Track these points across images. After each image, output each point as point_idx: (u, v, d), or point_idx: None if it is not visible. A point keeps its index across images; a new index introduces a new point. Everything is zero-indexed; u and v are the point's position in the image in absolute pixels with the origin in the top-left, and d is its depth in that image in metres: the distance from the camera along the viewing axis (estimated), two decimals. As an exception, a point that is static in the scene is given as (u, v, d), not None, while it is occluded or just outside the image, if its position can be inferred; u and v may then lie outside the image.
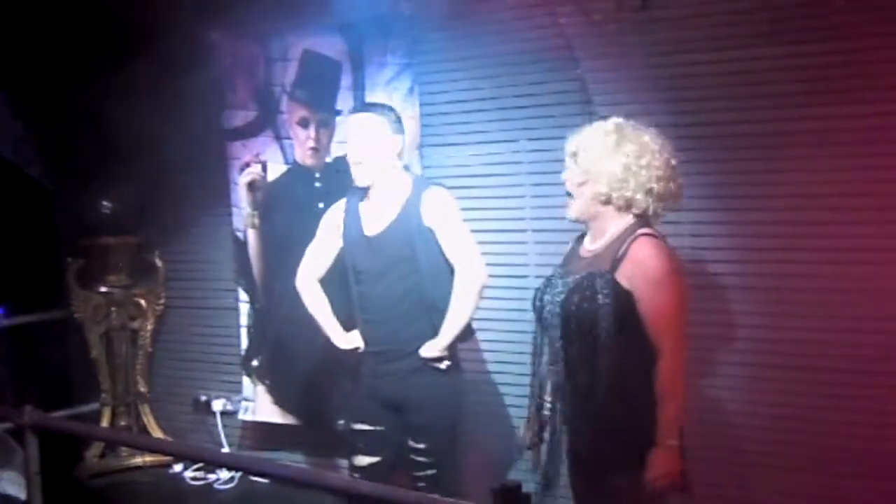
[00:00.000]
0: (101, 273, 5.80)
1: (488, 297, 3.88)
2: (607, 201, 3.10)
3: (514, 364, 4.36)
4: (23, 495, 4.47)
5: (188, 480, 5.51)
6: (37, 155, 5.72)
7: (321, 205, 4.51)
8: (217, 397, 5.65)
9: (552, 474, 3.25)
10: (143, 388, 5.87)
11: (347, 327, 4.00)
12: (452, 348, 3.82)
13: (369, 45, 4.82)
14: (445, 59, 4.71)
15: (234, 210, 5.32)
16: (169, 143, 5.24)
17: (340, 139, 4.88)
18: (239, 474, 5.39)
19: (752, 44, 3.92)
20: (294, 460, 5.31)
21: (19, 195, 5.59)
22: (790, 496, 3.96)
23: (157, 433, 5.80)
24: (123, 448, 5.72)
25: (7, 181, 5.55)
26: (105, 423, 5.74)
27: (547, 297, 3.18)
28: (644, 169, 3.07)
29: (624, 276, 3.02)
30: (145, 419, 5.84)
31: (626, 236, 3.08)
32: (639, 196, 3.08)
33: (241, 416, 5.50)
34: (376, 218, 3.85)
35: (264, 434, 5.47)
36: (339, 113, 4.91)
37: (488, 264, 3.83)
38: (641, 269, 3.01)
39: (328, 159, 4.98)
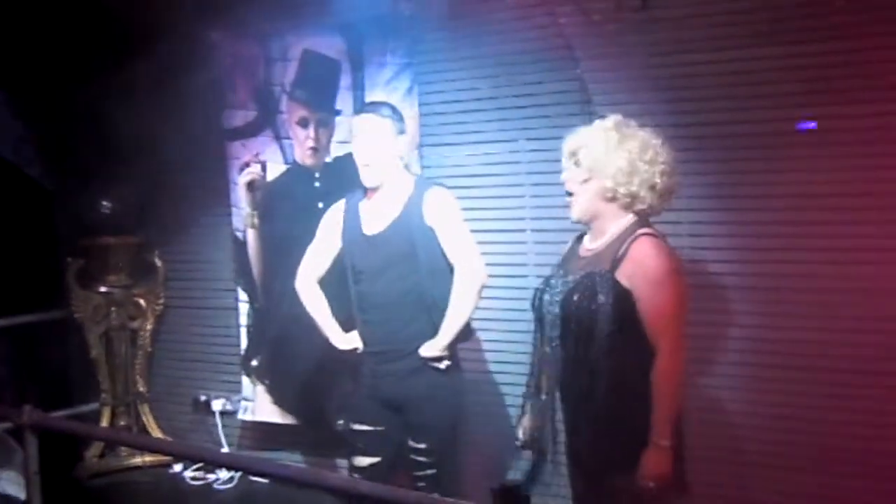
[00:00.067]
0: (100, 273, 5.80)
1: (488, 297, 3.88)
2: (613, 198, 3.11)
3: (513, 364, 4.35)
4: (22, 495, 4.47)
5: (188, 480, 5.51)
6: (37, 155, 5.71)
7: (321, 205, 4.51)
8: (217, 397, 5.65)
9: (542, 469, 3.26)
10: (142, 388, 5.87)
11: (346, 328, 4.00)
12: (452, 348, 3.82)
13: (369, 45, 4.82)
14: (445, 59, 4.71)
15: (234, 210, 5.32)
16: (169, 143, 5.24)
17: (340, 139, 4.89)
18: (238, 474, 5.39)
19: (752, 44, 3.92)
20: (294, 460, 5.31)
21: (19, 195, 5.58)
22: (790, 496, 3.96)
23: (157, 433, 5.80)
24: (123, 448, 5.72)
25: (7, 181, 5.55)
26: (105, 422, 5.74)
27: (546, 297, 3.19)
28: (648, 164, 3.09)
29: (624, 276, 3.02)
30: (145, 419, 5.84)
31: (627, 236, 3.08)
32: (643, 192, 3.09)
33: (240, 416, 5.50)
34: (377, 217, 3.85)
35: (264, 434, 5.46)
36: (338, 113, 4.91)
37: (488, 264, 3.83)
38: (641, 269, 3.01)
39: (328, 159, 4.98)
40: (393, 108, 3.94)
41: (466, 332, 3.87)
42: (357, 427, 3.95)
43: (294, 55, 5.03)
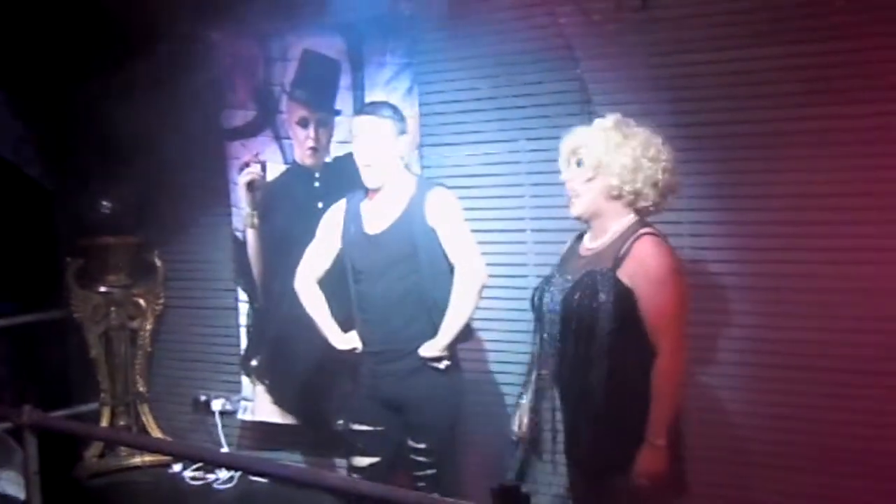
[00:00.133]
0: (100, 273, 5.80)
1: (488, 297, 3.88)
2: (618, 195, 3.12)
3: (513, 364, 4.35)
4: (22, 495, 4.47)
5: (187, 480, 5.51)
6: (36, 155, 5.71)
7: (320, 205, 4.52)
8: (216, 397, 5.65)
9: (534, 465, 3.27)
10: (142, 388, 5.87)
11: (346, 328, 4.00)
12: (452, 348, 3.82)
13: (369, 45, 4.82)
14: (445, 58, 4.71)
15: (234, 210, 5.32)
16: (168, 143, 5.24)
17: (340, 139, 4.89)
18: (238, 474, 5.39)
19: (752, 44, 3.91)
20: (293, 460, 5.31)
21: (19, 195, 5.59)
22: (790, 496, 3.96)
23: (157, 433, 5.80)
24: (122, 448, 5.72)
25: (7, 181, 5.55)
26: (104, 422, 5.74)
27: (546, 296, 3.19)
28: (651, 161, 3.11)
29: (626, 274, 3.03)
30: (144, 419, 5.84)
31: (629, 235, 3.09)
32: (646, 189, 3.11)
33: (240, 416, 5.50)
34: (378, 217, 3.85)
35: (263, 434, 5.46)
36: (338, 113, 4.91)
37: (487, 264, 3.83)
38: (643, 268, 3.02)
39: (327, 159, 4.98)
40: (394, 109, 3.93)
41: (466, 333, 3.87)
42: (357, 427, 3.95)
43: (294, 55, 5.03)
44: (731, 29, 3.97)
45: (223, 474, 5.44)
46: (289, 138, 5.10)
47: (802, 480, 3.92)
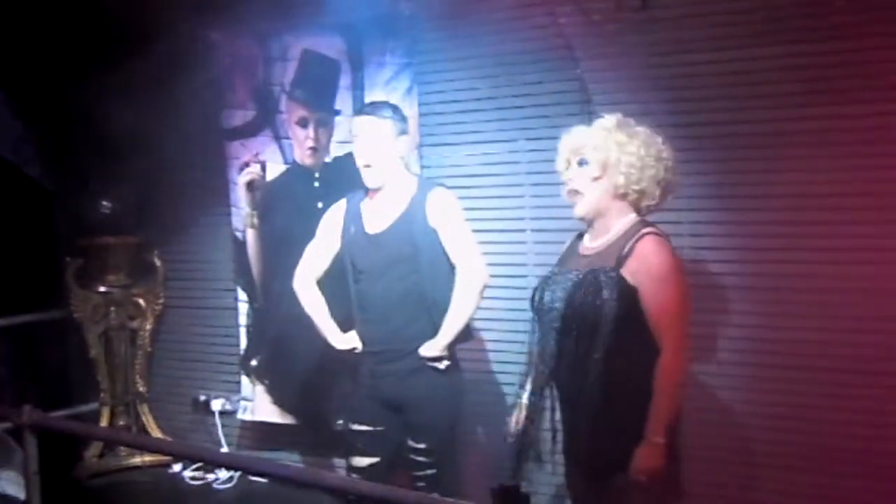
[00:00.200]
0: (100, 273, 5.80)
1: (487, 297, 3.88)
2: (623, 195, 3.13)
3: (513, 364, 4.34)
4: (22, 495, 4.47)
5: (187, 480, 5.51)
6: (36, 154, 5.71)
7: (320, 204, 4.52)
8: (216, 397, 5.64)
9: (527, 463, 3.27)
10: (142, 388, 5.86)
11: (345, 328, 4.00)
12: (452, 348, 3.82)
13: (368, 45, 4.82)
14: (444, 58, 4.70)
15: (233, 210, 5.32)
16: (168, 143, 5.24)
17: (340, 139, 4.88)
18: (238, 474, 5.39)
19: (752, 44, 3.91)
20: (293, 460, 5.31)
21: (19, 195, 5.58)
22: (790, 496, 3.96)
23: (156, 433, 5.80)
24: (122, 448, 5.71)
25: (6, 181, 5.54)
26: (104, 422, 5.73)
27: (548, 294, 3.19)
28: (655, 160, 3.13)
29: (629, 272, 3.04)
30: (144, 419, 5.84)
31: (632, 234, 3.10)
32: (651, 188, 3.13)
33: (239, 416, 5.49)
34: (379, 217, 3.85)
35: (263, 434, 5.46)
36: (338, 113, 4.91)
37: (487, 264, 3.83)
38: (647, 266, 3.03)
39: (327, 159, 4.97)
40: (394, 109, 3.93)
41: (466, 333, 3.87)
42: (356, 427, 3.95)
43: (293, 55, 5.03)
44: (731, 29, 3.97)
45: (223, 474, 5.43)
46: (288, 138, 5.10)
47: (802, 480, 3.92)
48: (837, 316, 3.84)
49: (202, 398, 5.71)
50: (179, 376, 5.90)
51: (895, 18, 3.67)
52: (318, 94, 4.98)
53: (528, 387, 3.30)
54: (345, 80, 4.88)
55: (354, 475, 3.91)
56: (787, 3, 3.85)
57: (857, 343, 3.79)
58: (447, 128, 4.75)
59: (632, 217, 3.17)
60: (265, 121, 5.17)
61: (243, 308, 5.38)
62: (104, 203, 5.63)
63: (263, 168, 5.17)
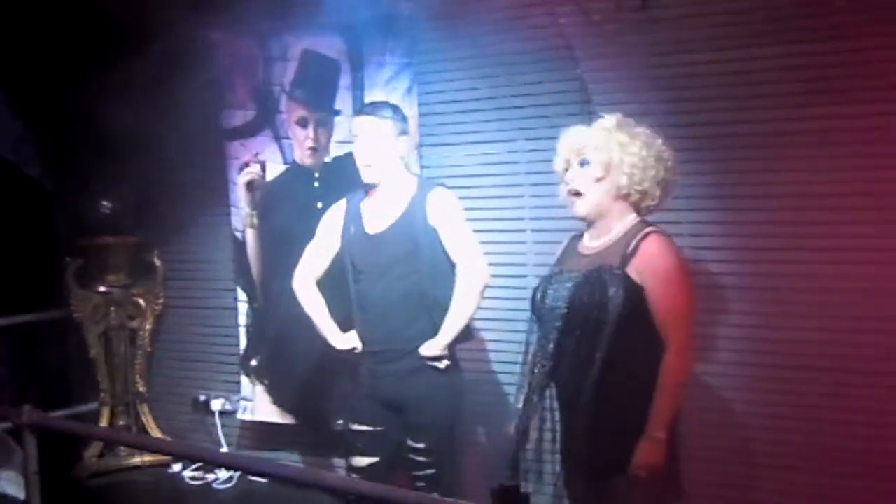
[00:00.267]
0: (99, 273, 5.80)
1: (487, 297, 3.87)
2: (625, 195, 3.14)
3: (513, 364, 4.30)
4: (21, 495, 4.47)
5: (187, 480, 5.50)
6: (36, 154, 5.71)
7: (320, 204, 4.52)
8: (216, 397, 5.64)
9: (533, 466, 3.27)
10: (141, 388, 5.86)
11: (345, 328, 4.00)
12: (452, 348, 3.81)
13: (368, 45, 4.82)
14: (444, 58, 4.70)
15: (233, 210, 5.32)
16: (168, 143, 5.24)
17: (339, 139, 4.88)
18: (238, 474, 5.38)
19: (752, 44, 3.91)
20: (293, 460, 5.31)
21: (18, 194, 5.58)
22: (790, 496, 3.96)
23: (156, 433, 5.79)
24: (122, 448, 5.71)
25: (6, 181, 5.54)
26: (104, 422, 5.73)
27: (550, 294, 3.18)
28: (656, 161, 3.14)
29: (635, 272, 3.05)
30: (144, 419, 5.83)
31: (635, 233, 3.11)
32: (653, 188, 3.14)
33: (239, 416, 5.49)
34: (379, 216, 3.85)
35: (263, 434, 5.46)
36: (338, 113, 4.91)
37: (487, 264, 3.83)
38: (653, 266, 3.05)
39: (327, 159, 4.97)
40: (394, 109, 3.93)
41: (466, 333, 3.87)
42: (356, 427, 3.95)
43: (293, 55, 5.03)
44: (731, 29, 3.96)
45: (223, 474, 5.43)
46: (288, 138, 5.10)
47: (802, 480, 3.92)
48: (837, 316, 3.84)
49: (202, 398, 5.71)
50: (179, 376, 5.90)
51: (895, 18, 3.67)
52: (317, 94, 4.98)
53: (528, 387, 3.29)
54: (345, 80, 4.88)
55: (354, 475, 3.91)
56: (787, 3, 3.85)
57: (857, 343, 3.79)
58: (447, 128, 4.75)
59: (633, 217, 3.18)
60: (265, 121, 5.16)
61: (243, 308, 5.38)
62: (104, 203, 5.63)
63: (263, 168, 5.17)
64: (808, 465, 3.91)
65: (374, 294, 3.84)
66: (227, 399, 5.59)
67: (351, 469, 3.97)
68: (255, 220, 5.23)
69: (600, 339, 3.04)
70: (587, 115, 4.05)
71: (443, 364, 3.79)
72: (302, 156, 5.06)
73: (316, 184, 4.97)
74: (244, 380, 5.39)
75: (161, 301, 5.90)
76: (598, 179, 3.14)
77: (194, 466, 5.53)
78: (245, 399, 5.40)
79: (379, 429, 3.89)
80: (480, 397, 4.52)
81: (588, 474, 3.18)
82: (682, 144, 3.49)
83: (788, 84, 3.87)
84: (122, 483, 5.60)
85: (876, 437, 3.76)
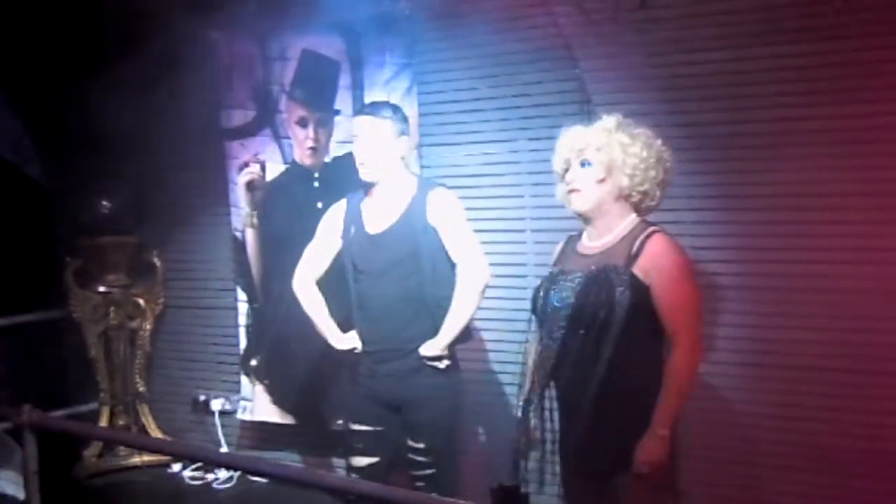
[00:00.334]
0: (99, 272, 5.79)
1: (487, 297, 3.87)
2: (626, 196, 3.14)
3: (513, 364, 4.33)
4: (21, 495, 4.47)
5: (187, 480, 5.50)
6: (36, 154, 5.71)
7: (320, 204, 4.52)
8: (216, 397, 5.64)
9: (533, 466, 3.27)
10: (141, 388, 5.86)
11: (345, 328, 4.00)
12: (451, 348, 3.81)
13: (368, 45, 4.82)
14: (444, 58, 4.70)
15: (233, 210, 5.32)
16: (168, 143, 5.25)
17: (339, 139, 4.88)
18: (237, 474, 5.38)
19: (752, 44, 3.91)
20: (293, 460, 5.31)
21: (18, 194, 5.58)
22: (790, 496, 3.96)
23: (156, 433, 5.79)
24: (122, 447, 5.71)
25: (6, 180, 5.54)
26: (103, 422, 5.73)
27: (554, 295, 3.17)
28: (656, 161, 3.14)
29: (641, 271, 3.05)
30: (144, 419, 5.83)
31: (638, 233, 3.12)
32: (654, 189, 3.15)
33: (239, 416, 5.49)
34: (379, 216, 3.85)
35: (263, 434, 5.46)
36: (337, 112, 4.91)
37: (488, 264, 3.83)
38: (659, 265, 3.05)
39: (327, 159, 4.97)
40: (394, 109, 3.93)
41: (466, 333, 3.87)
42: (356, 427, 3.94)
43: (293, 55, 5.03)
44: (731, 29, 3.96)
45: (222, 474, 5.43)
46: (288, 138, 5.10)
47: (802, 480, 3.92)
48: (837, 316, 3.84)
49: (202, 398, 5.71)
50: (179, 376, 5.90)
51: (894, 19, 3.67)
52: (317, 94, 4.98)
53: (528, 388, 3.29)
54: (344, 80, 4.88)
55: (354, 475, 3.91)
56: (787, 3, 3.85)
57: (857, 343, 3.79)
58: (447, 128, 4.75)
59: (633, 217, 3.18)
60: (265, 121, 5.16)
61: (243, 308, 5.38)
62: (103, 203, 5.63)
63: (263, 168, 5.17)
64: (808, 465, 3.91)
65: (375, 294, 3.83)
66: (227, 399, 5.59)
67: (351, 469, 3.97)
68: (255, 220, 5.23)
69: (607, 339, 3.04)
70: (587, 114, 4.05)
71: (443, 364, 3.79)
72: (302, 156, 5.06)
73: (316, 184, 4.97)
74: (244, 380, 5.39)
75: (161, 301, 5.90)
76: (600, 181, 3.14)
77: (194, 466, 5.52)
78: (245, 399, 5.40)
79: (379, 429, 3.89)
80: (480, 397, 4.52)
81: (589, 473, 3.18)
82: (682, 144, 3.50)
83: (788, 84, 3.87)
84: (122, 483, 5.59)
85: (876, 437, 3.76)
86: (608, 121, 3.20)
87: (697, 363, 3.12)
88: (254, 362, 5.32)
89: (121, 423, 5.80)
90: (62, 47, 5.37)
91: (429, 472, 3.83)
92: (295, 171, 5.09)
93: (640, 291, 3.03)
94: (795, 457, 3.94)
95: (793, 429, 3.95)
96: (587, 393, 3.07)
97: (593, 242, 3.20)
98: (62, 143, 5.62)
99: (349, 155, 4.10)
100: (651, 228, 3.13)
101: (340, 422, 4.31)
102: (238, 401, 5.46)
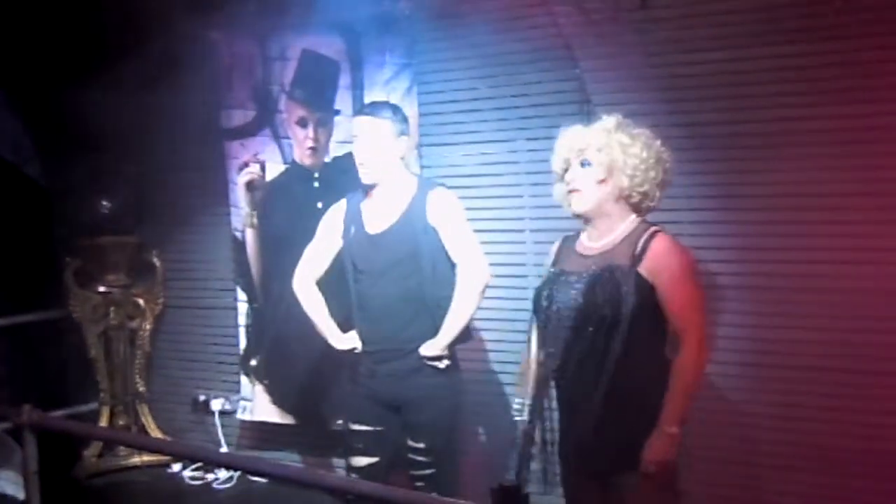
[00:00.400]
0: (99, 273, 5.79)
1: (487, 297, 3.87)
2: (626, 196, 3.14)
3: (513, 364, 4.33)
4: (21, 495, 4.47)
5: (187, 480, 5.50)
6: (35, 154, 5.71)
7: (320, 204, 4.52)
8: (216, 397, 5.64)
9: (530, 463, 3.27)
10: (141, 388, 5.86)
11: (345, 328, 4.00)
12: (452, 348, 3.81)
13: (368, 45, 4.82)
14: (444, 58, 4.70)
15: (233, 210, 5.32)
16: (167, 143, 5.24)
17: (339, 139, 4.88)
18: (237, 474, 5.38)
19: (752, 44, 3.91)
20: (292, 460, 5.31)
21: (18, 194, 5.58)
22: (790, 496, 3.96)
23: (156, 433, 5.79)
24: (122, 448, 5.71)
25: (6, 180, 5.54)
26: (103, 422, 5.73)
27: (557, 295, 3.16)
28: (656, 162, 3.15)
29: (646, 270, 3.06)
30: (144, 419, 5.83)
31: (640, 233, 3.12)
32: (652, 189, 3.15)
33: (239, 416, 5.49)
34: (379, 217, 3.85)
35: (263, 434, 5.46)
36: (337, 112, 4.91)
37: (488, 264, 3.83)
38: (663, 264, 3.06)
39: (327, 159, 4.97)
40: (394, 109, 3.93)
41: (466, 333, 3.87)
42: (356, 427, 3.94)
43: (293, 55, 5.03)
44: (731, 29, 3.96)
45: (222, 474, 5.43)
46: (288, 138, 5.10)
47: (802, 480, 3.92)
48: (837, 316, 3.84)
49: (202, 398, 5.71)
50: (179, 376, 5.90)
51: (894, 19, 3.67)
52: (317, 94, 4.98)
53: (532, 388, 3.28)
54: (344, 80, 4.88)
55: (354, 475, 3.91)
56: (787, 3, 3.85)
57: (857, 343, 3.79)
58: (446, 128, 4.75)
59: (634, 217, 3.18)
60: (265, 120, 5.17)
61: (243, 308, 5.38)
62: (103, 203, 5.62)
63: (263, 168, 5.17)
64: (808, 465, 3.91)
65: (375, 294, 3.83)
66: (227, 399, 5.59)
67: (351, 469, 3.97)
68: (255, 220, 5.23)
69: (614, 338, 3.03)
70: (586, 114, 4.05)
71: (443, 364, 3.79)
72: (302, 156, 5.06)
73: (316, 184, 4.97)
74: (244, 380, 5.39)
75: (161, 301, 5.90)
76: (601, 181, 3.14)
77: (194, 466, 5.52)
78: (245, 399, 5.40)
79: (379, 429, 3.89)
80: (480, 397, 4.52)
81: (590, 473, 3.17)
82: (682, 144, 3.50)
83: (788, 84, 3.87)
84: (122, 483, 5.59)
85: (876, 437, 3.77)
86: (608, 121, 3.20)
87: (705, 361, 3.12)
88: (254, 362, 5.32)
89: (121, 423, 5.80)
90: (62, 47, 5.36)
91: (429, 472, 3.83)
92: (295, 171, 5.09)
93: (645, 291, 3.04)
94: (795, 457, 3.94)
95: (793, 429, 3.95)
96: (592, 393, 3.07)
97: (594, 243, 3.20)
98: (62, 143, 5.61)
99: (349, 155, 4.10)
100: (653, 228, 3.14)
101: (340, 422, 4.31)
102: (238, 401, 5.46)
